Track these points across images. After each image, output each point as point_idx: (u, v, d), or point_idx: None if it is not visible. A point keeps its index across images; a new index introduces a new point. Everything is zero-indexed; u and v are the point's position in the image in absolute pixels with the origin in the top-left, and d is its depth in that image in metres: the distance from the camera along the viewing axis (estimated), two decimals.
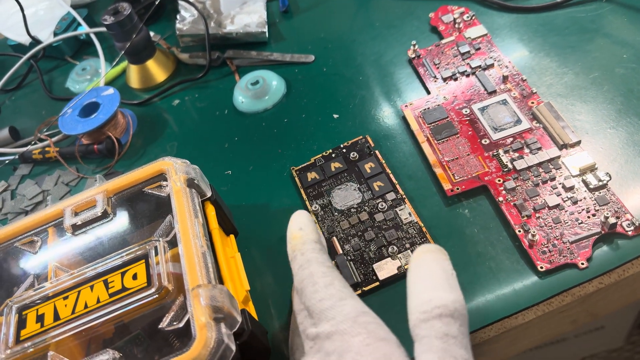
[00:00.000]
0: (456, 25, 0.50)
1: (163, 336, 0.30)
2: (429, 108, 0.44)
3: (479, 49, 0.47)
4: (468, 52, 0.47)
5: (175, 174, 0.37)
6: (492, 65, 0.46)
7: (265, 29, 0.55)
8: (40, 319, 0.32)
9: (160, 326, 0.30)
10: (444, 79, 0.46)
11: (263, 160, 0.46)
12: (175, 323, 0.30)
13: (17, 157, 0.53)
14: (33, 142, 0.54)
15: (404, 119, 0.45)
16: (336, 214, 0.40)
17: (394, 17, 0.54)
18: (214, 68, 0.55)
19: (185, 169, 0.37)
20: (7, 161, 0.54)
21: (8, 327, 0.32)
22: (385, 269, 0.37)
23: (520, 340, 0.35)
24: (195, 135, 0.50)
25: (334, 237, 0.39)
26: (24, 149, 0.53)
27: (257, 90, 0.50)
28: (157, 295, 0.31)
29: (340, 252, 0.38)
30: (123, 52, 0.54)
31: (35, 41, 0.63)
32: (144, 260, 0.33)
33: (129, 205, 0.37)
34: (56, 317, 0.31)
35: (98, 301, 0.32)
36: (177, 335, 0.30)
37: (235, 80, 0.54)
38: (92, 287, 0.32)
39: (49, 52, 0.64)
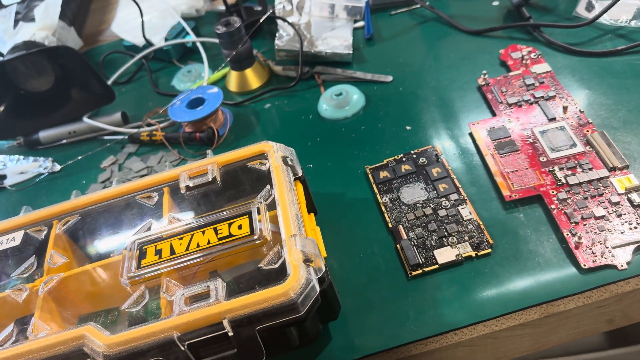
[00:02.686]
0: (523, 62, 0.56)
1: (261, 273, 0.36)
2: (494, 127, 0.50)
3: (543, 82, 0.53)
4: (533, 84, 0.53)
5: (274, 153, 0.44)
6: (553, 97, 0.51)
7: (351, 51, 0.63)
8: (158, 252, 0.39)
9: (259, 266, 0.37)
10: (509, 105, 0.52)
11: (340, 158, 0.53)
12: (271, 265, 0.36)
13: (126, 137, 0.62)
14: (142, 126, 0.62)
15: (470, 135, 0.51)
16: (403, 206, 0.46)
17: (467, 51, 0.61)
18: (302, 80, 0.63)
19: (283, 150, 0.44)
20: (117, 140, 0.63)
21: (131, 257, 0.39)
22: (444, 255, 0.42)
23: (560, 329, 0.39)
24: (282, 134, 0.58)
25: (400, 226, 0.45)
26: (134, 130, 0.62)
27: (340, 101, 0.58)
28: (258, 242, 0.38)
29: (405, 237, 0.44)
30: (228, 59, 0.62)
31: (148, 44, 0.73)
32: (247, 216, 0.40)
33: (234, 175, 0.45)
34: (172, 252, 0.38)
35: (208, 243, 0.38)
36: (273, 273, 0.36)
37: (320, 92, 0.61)
38: (203, 232, 0.39)
39: (158, 55, 0.74)
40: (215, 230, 0.39)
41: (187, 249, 0.38)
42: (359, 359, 0.39)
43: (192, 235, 0.39)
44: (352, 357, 0.39)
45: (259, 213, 0.40)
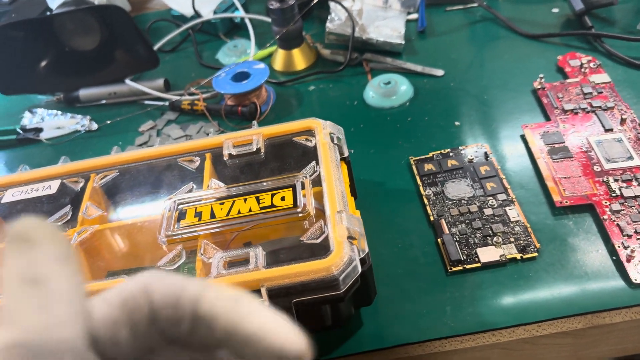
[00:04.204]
0: (582, 70, 0.55)
1: (302, 247, 0.35)
2: (548, 132, 0.49)
3: (601, 92, 0.51)
4: (590, 93, 0.51)
5: (322, 130, 0.43)
6: (612, 108, 0.50)
7: (403, 42, 0.62)
8: (198, 214, 0.38)
9: (300, 239, 0.35)
10: (565, 111, 0.50)
11: (383, 147, 0.52)
12: (313, 239, 0.35)
13: (167, 103, 0.61)
14: (184, 95, 0.62)
15: (522, 137, 0.50)
16: (447, 201, 0.45)
17: (522, 54, 0.59)
18: (349, 66, 0.62)
19: (332, 128, 0.43)
20: (158, 105, 0.62)
21: (170, 217, 0.38)
22: (488, 254, 0.41)
23: (601, 343, 0.38)
24: (325, 117, 0.56)
25: (442, 220, 0.44)
26: (176, 97, 0.61)
27: (388, 89, 0.56)
28: (300, 215, 0.37)
29: (447, 232, 0.43)
30: (278, 36, 0.61)
31: (197, 15, 0.72)
32: (291, 189, 0.38)
33: (279, 148, 0.44)
34: (212, 215, 0.37)
35: (250, 211, 0.37)
36: (313, 248, 0.35)
37: (366, 79, 0.60)
38: (245, 200, 0.38)
39: (205, 27, 0.73)
40: (258, 199, 0.38)
41: (227, 215, 0.37)
42: (391, 347, 0.37)
43: (234, 201, 0.38)
44: (383, 344, 0.37)
45: (303, 187, 0.39)
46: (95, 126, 0.62)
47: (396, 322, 0.38)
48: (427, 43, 0.64)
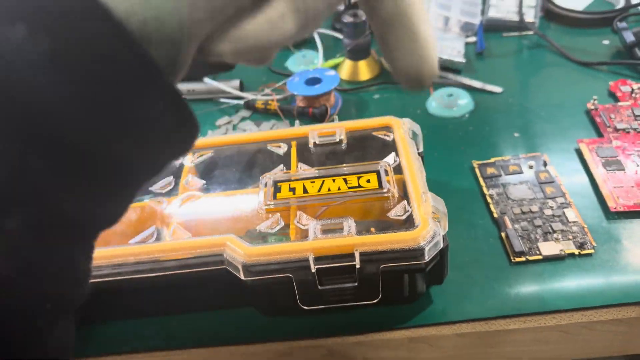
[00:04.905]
0: (633, 95, 0.59)
1: (389, 222, 0.39)
2: (601, 146, 0.53)
3: None
4: None
5: (401, 126, 0.47)
6: None
7: (464, 60, 0.67)
8: (292, 189, 0.42)
9: (387, 214, 0.40)
10: (617, 130, 0.54)
11: (447, 151, 0.56)
12: (399, 215, 0.39)
13: (242, 102, 0.67)
14: (257, 95, 0.67)
15: (576, 150, 0.54)
16: (509, 201, 0.49)
17: (576, 78, 0.64)
18: None
19: (411, 124, 0.48)
20: (233, 104, 0.67)
21: (267, 192, 0.43)
22: (548, 248, 0.44)
23: None
24: None
25: (505, 216, 0.48)
26: (252, 97, 0.66)
27: (450, 101, 0.61)
28: (385, 195, 0.41)
29: (510, 227, 0.47)
30: (349, 48, 0.67)
31: None
32: (375, 173, 0.43)
33: (360, 140, 0.48)
34: (305, 191, 0.42)
35: (339, 189, 0.42)
36: (399, 224, 0.39)
37: (428, 92, 0.65)
38: (334, 180, 0.43)
39: None
40: (345, 180, 0.43)
41: (319, 191, 0.42)
42: (458, 322, 0.41)
43: (323, 181, 0.43)
44: (451, 319, 0.41)
45: (386, 174, 0.43)
46: None
47: (464, 301, 0.42)
48: (485, 63, 0.69)
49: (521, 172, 0.52)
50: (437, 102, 0.62)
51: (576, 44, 0.70)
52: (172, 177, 0.47)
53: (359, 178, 0.43)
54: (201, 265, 0.38)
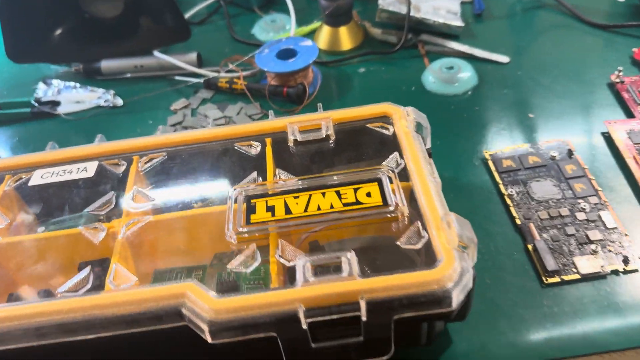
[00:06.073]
0: None
1: (400, 252, 0.30)
2: (634, 129, 0.44)
3: None
4: None
5: (403, 116, 0.38)
6: None
7: (463, 24, 0.57)
8: (270, 209, 0.33)
9: (397, 242, 0.30)
10: None
11: (451, 138, 0.47)
12: (412, 244, 0.30)
13: (202, 80, 0.55)
14: (219, 71, 0.56)
15: (603, 135, 0.45)
16: (533, 202, 0.40)
17: (592, 45, 0.55)
18: (402, 48, 0.57)
19: (416, 115, 0.38)
20: (191, 82, 0.56)
21: (237, 210, 0.33)
22: (587, 264, 0.36)
23: None
24: (381, 101, 0.51)
25: (531, 224, 0.39)
26: (213, 74, 0.55)
27: (450, 75, 0.51)
28: (393, 215, 0.32)
29: (538, 238, 0.38)
30: (328, 11, 0.56)
31: None
32: (376, 183, 0.33)
33: (351, 135, 0.38)
34: (287, 211, 0.32)
35: (332, 207, 0.32)
36: (412, 254, 0.30)
37: (423, 63, 0.55)
38: (324, 194, 0.33)
39: (237, 0, 0.67)
40: (339, 194, 0.33)
41: (305, 210, 0.32)
42: None
43: (310, 195, 0.33)
44: None
45: (390, 182, 0.34)
46: (120, 102, 0.56)
47: (490, 340, 0.34)
48: (485, 27, 0.59)
49: (543, 165, 0.43)
50: (434, 76, 0.52)
51: (589, 2, 0.60)
52: (112, 192, 0.36)
53: (355, 190, 0.33)
54: (152, 321, 0.28)
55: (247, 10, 0.67)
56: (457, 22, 0.57)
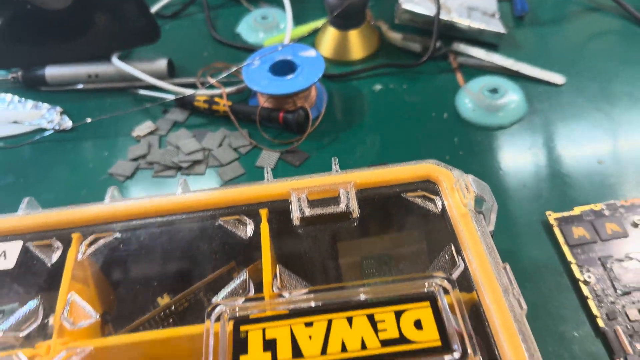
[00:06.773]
0: None
1: None
2: None
3: None
4: None
5: (457, 185, 0.27)
6: None
7: (504, 31, 0.45)
8: (269, 345, 0.22)
9: None
10: None
11: (499, 190, 0.36)
12: None
13: (173, 98, 0.43)
14: (196, 85, 0.44)
15: None
16: (617, 293, 0.30)
17: None
18: (428, 59, 0.45)
19: (476, 186, 0.27)
20: (160, 99, 0.44)
21: (221, 343, 0.22)
22: None
23: None
24: (400, 133, 0.40)
25: (618, 327, 0.29)
26: (187, 90, 0.43)
27: (494, 101, 0.40)
28: None
29: (631, 351, 0.28)
30: (334, 10, 0.44)
31: None
32: (428, 303, 0.23)
33: (382, 210, 0.27)
34: (297, 352, 0.21)
35: (364, 347, 0.21)
36: None
37: (455, 80, 0.44)
38: (349, 320, 0.22)
39: None
40: (372, 320, 0.22)
41: (324, 352, 0.21)
42: None
43: (330, 322, 0.22)
44: None
45: (445, 292, 0.23)
46: (69, 124, 0.43)
47: None
48: (530, 34, 0.48)
49: (625, 236, 0.33)
50: (473, 102, 0.41)
51: None
52: (37, 300, 0.25)
53: (398, 316, 0.22)
54: None
55: (231, 1, 0.54)
56: (498, 28, 0.45)
